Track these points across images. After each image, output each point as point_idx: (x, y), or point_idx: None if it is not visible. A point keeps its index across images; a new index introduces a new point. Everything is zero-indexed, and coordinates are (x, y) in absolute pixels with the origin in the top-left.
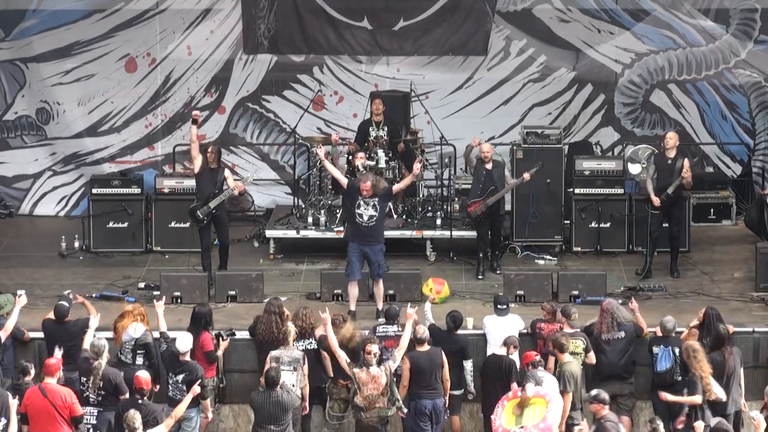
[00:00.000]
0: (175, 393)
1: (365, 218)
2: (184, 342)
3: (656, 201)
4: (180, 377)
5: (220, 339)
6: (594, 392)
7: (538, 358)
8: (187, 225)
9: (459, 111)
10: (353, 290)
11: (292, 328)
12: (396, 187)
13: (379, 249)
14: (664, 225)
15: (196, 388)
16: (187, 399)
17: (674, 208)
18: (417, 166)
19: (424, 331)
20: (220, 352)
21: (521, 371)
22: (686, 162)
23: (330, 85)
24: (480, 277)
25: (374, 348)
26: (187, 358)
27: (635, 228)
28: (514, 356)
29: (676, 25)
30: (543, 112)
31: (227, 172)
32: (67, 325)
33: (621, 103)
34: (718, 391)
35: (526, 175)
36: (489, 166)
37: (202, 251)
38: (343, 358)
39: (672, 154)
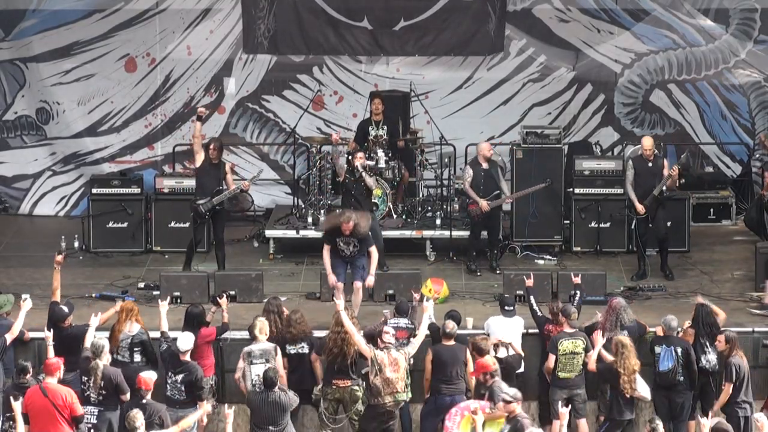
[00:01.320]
0: (174, 393)
1: (347, 253)
2: (185, 341)
3: (641, 209)
4: (179, 377)
5: (218, 299)
6: (511, 391)
7: (495, 367)
8: (187, 225)
9: (459, 111)
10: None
11: (258, 322)
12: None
13: (361, 254)
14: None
15: (208, 407)
16: (196, 415)
17: (659, 209)
18: (369, 281)
19: (453, 327)
20: (225, 315)
21: (478, 381)
22: (665, 162)
23: (330, 85)
24: (475, 270)
25: (390, 330)
26: (187, 358)
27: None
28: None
29: (675, 25)
30: (543, 112)
31: (227, 168)
32: (65, 330)
33: (621, 103)
34: (642, 390)
35: (524, 192)
36: (486, 165)
37: (193, 245)
38: (362, 343)
39: (651, 157)
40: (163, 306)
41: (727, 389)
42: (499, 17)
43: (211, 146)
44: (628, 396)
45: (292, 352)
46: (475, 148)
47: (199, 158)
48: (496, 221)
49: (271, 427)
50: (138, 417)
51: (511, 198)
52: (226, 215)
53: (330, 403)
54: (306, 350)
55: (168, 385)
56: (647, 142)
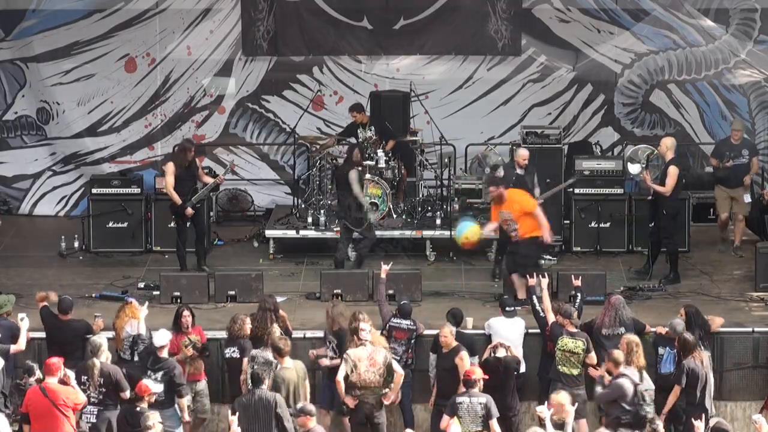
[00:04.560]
0: (135, 393)
1: None
2: (161, 337)
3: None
4: (159, 375)
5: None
6: (299, 405)
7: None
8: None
9: (459, 111)
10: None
11: (277, 329)
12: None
13: None
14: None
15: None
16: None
17: (656, 213)
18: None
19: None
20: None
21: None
22: (671, 169)
23: (330, 85)
24: (497, 275)
25: (366, 327)
26: (165, 354)
27: (635, 228)
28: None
29: (676, 25)
30: (543, 112)
31: (199, 164)
32: (70, 322)
33: (621, 103)
34: (649, 386)
35: (553, 192)
36: (521, 171)
37: (181, 246)
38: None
39: (668, 158)
40: (142, 310)
41: (676, 391)
42: (513, 20)
43: (191, 151)
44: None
45: (227, 356)
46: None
47: (171, 171)
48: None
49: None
50: (152, 417)
51: (540, 199)
52: (207, 211)
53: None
54: (237, 354)
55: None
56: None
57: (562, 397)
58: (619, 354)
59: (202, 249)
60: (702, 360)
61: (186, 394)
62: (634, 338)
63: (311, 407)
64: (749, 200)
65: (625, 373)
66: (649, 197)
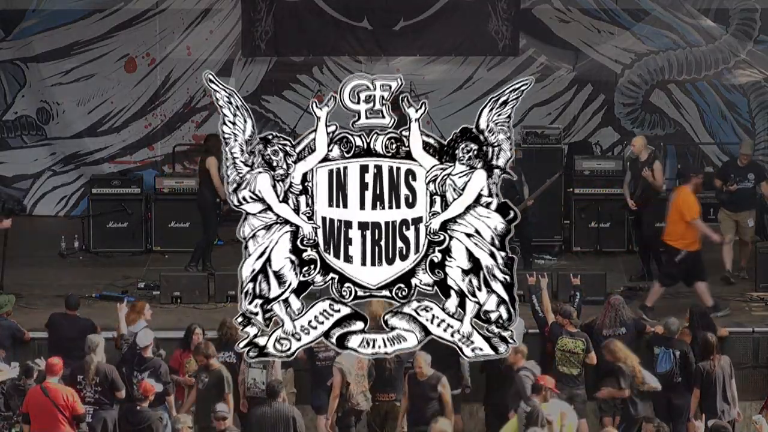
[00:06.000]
0: (140, 393)
1: None
2: (144, 337)
3: (631, 204)
4: (145, 375)
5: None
6: (218, 407)
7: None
8: (187, 225)
9: (459, 111)
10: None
11: None
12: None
13: None
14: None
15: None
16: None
17: (644, 212)
18: None
19: None
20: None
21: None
22: (656, 164)
23: (330, 85)
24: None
25: None
26: (150, 353)
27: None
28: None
29: (676, 25)
30: (543, 112)
31: None
32: (77, 318)
33: (621, 103)
34: (650, 381)
35: (541, 190)
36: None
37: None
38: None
39: (643, 157)
40: (121, 309)
41: (696, 394)
42: (513, 21)
43: None
44: (642, 390)
45: (219, 360)
46: None
47: (216, 164)
48: (525, 228)
49: None
50: (183, 419)
51: (530, 200)
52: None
53: (374, 417)
54: (234, 359)
55: (135, 386)
56: (632, 142)
57: (441, 424)
58: (523, 347)
59: (209, 249)
60: (721, 363)
61: (173, 392)
62: (609, 342)
63: (223, 407)
64: (752, 224)
65: (525, 366)
66: (638, 196)
